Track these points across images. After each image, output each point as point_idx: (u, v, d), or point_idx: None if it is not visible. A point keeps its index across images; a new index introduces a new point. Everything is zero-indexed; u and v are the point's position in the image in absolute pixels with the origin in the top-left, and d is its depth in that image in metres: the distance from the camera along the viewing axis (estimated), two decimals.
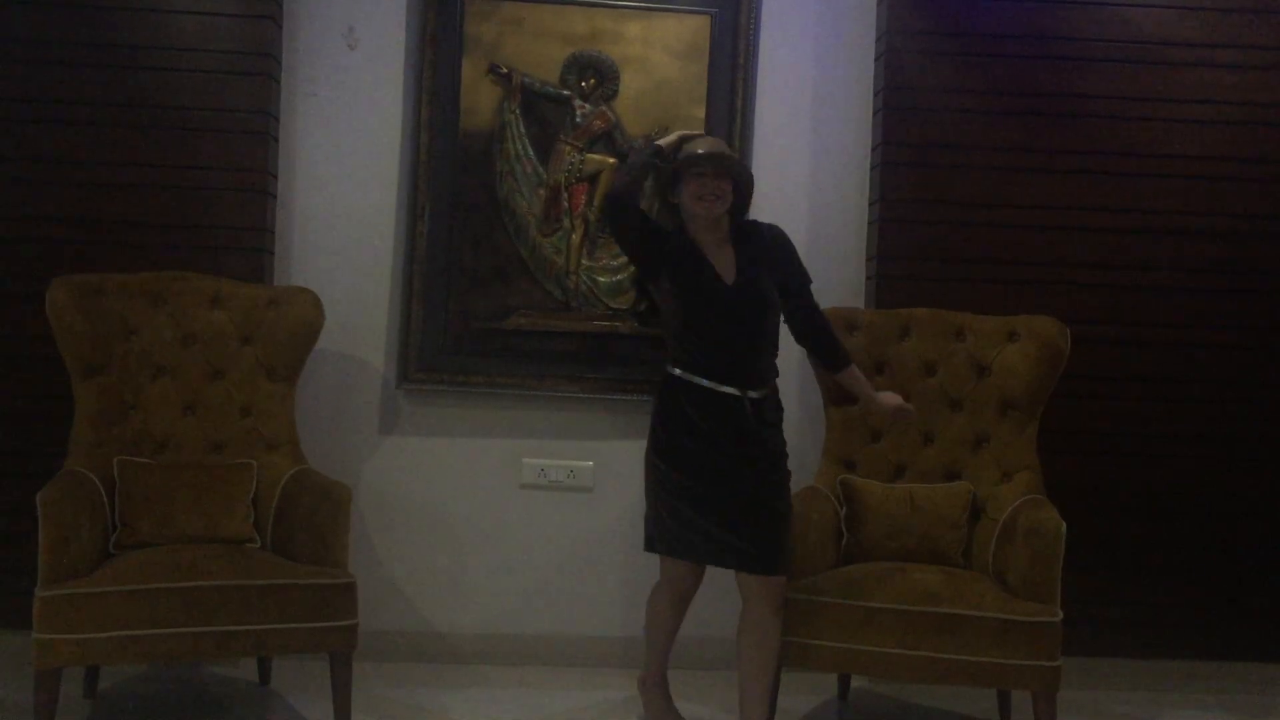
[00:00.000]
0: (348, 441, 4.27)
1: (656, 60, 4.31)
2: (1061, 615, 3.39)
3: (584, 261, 4.31)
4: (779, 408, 3.49)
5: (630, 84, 4.31)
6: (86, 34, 4.12)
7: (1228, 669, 4.32)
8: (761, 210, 4.38)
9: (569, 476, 4.33)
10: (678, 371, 3.41)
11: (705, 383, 3.36)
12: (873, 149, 4.37)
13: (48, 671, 3.22)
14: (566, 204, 4.29)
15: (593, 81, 4.30)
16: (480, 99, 4.28)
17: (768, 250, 3.49)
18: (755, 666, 3.35)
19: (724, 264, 3.42)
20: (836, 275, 4.36)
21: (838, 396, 3.96)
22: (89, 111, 4.12)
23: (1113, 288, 4.33)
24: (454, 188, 4.27)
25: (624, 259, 4.28)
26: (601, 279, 4.32)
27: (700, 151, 3.42)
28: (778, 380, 3.52)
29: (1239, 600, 4.34)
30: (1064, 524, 3.45)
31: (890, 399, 3.62)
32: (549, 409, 4.32)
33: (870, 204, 4.37)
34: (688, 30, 4.32)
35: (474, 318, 4.28)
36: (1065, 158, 4.32)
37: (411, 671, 4.14)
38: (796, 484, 4.05)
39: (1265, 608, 4.35)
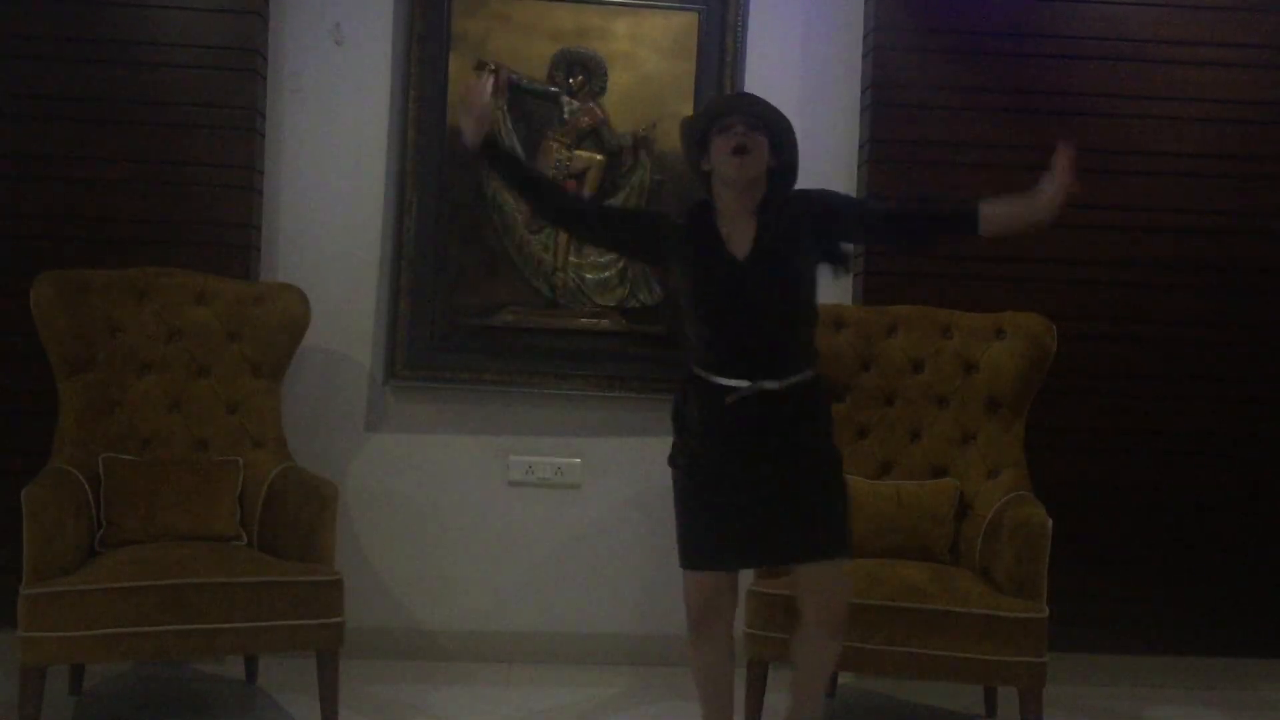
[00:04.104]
0: (334, 438, 4.25)
1: (644, 57, 4.31)
2: (1048, 611, 3.40)
3: (571, 259, 4.30)
4: (813, 397, 2.98)
5: (618, 80, 4.30)
6: (70, 29, 4.09)
7: (1213, 664, 4.33)
8: None
9: (556, 474, 4.32)
10: (694, 369, 2.98)
11: (716, 379, 2.91)
12: (860, 145, 4.37)
13: (33, 669, 3.21)
14: None
15: (580, 78, 4.30)
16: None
17: (796, 216, 2.95)
18: (806, 676, 3.10)
19: (740, 237, 2.93)
20: (825, 271, 4.36)
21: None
22: (73, 107, 4.10)
23: (1100, 285, 4.34)
24: (441, 184, 4.26)
25: (612, 256, 4.28)
26: (589, 276, 4.31)
27: (729, 105, 2.96)
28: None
29: (1225, 596, 4.35)
30: (1050, 520, 3.46)
31: (1050, 191, 2.89)
32: (536, 406, 4.32)
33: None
34: (676, 27, 4.32)
35: (461, 314, 4.27)
36: (1052, 155, 4.30)
37: (398, 669, 4.13)
38: None
39: (1251, 603, 4.36)
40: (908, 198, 3.01)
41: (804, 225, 2.95)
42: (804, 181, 4.36)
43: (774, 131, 2.94)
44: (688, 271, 2.95)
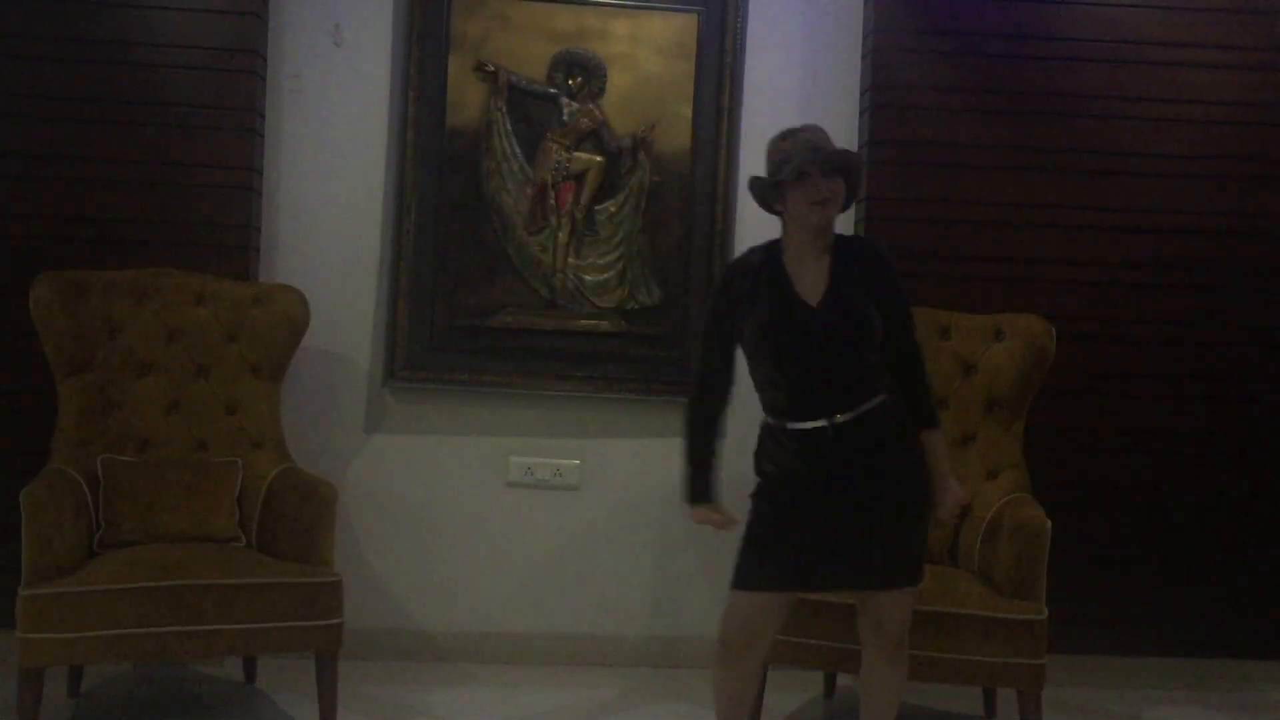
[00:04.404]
0: (333, 439, 4.25)
1: (644, 58, 4.31)
2: (1047, 613, 3.40)
3: (570, 260, 4.30)
4: (891, 422, 2.95)
5: (617, 82, 4.30)
6: (70, 29, 4.09)
7: (1211, 666, 4.33)
8: (749, 210, 4.40)
9: (555, 475, 4.32)
10: (766, 419, 3.01)
11: (789, 424, 2.93)
12: (860, 146, 4.37)
13: (31, 670, 3.21)
14: (553, 202, 4.29)
15: (580, 79, 4.30)
16: (467, 96, 4.27)
17: (864, 266, 2.97)
18: (868, 704, 3.09)
19: (812, 279, 2.94)
20: None
21: None
22: (73, 108, 4.10)
23: (1098, 286, 4.34)
24: (440, 185, 4.26)
25: (611, 257, 4.30)
26: (588, 277, 4.31)
27: (803, 153, 2.90)
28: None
29: (1225, 596, 4.35)
30: (1049, 522, 3.46)
31: (953, 496, 3.04)
32: (535, 407, 4.32)
33: (857, 202, 4.36)
34: (675, 28, 4.32)
35: (460, 315, 4.27)
36: (1051, 156, 4.32)
37: (397, 670, 4.13)
38: None
39: (1251, 603, 4.36)
40: (919, 363, 3.07)
41: (864, 277, 2.96)
42: None
43: (848, 174, 2.95)
44: (759, 313, 2.94)
